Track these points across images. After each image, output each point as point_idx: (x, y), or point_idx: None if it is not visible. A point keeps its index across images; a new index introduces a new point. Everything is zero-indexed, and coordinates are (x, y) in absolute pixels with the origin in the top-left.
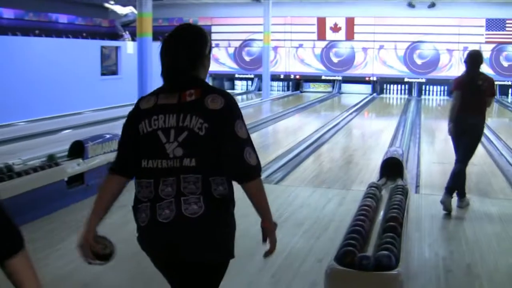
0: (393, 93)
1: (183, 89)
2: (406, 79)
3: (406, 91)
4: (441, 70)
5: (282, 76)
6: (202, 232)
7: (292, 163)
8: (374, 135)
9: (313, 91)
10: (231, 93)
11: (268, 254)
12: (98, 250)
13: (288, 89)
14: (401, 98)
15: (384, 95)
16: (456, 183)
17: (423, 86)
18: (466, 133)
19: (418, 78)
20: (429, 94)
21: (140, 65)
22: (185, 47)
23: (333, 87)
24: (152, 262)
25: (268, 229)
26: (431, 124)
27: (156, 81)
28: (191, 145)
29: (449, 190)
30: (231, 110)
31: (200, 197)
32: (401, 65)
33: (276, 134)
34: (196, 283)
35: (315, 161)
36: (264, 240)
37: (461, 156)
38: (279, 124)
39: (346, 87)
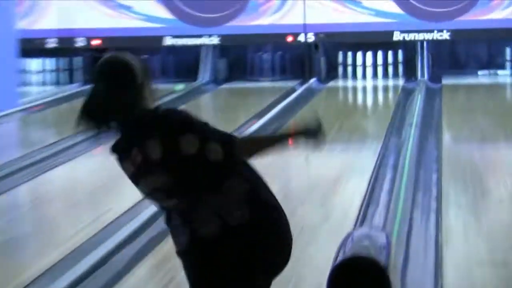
0: (364, 74)
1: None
2: (396, 35)
3: (400, 66)
4: (491, 8)
5: (54, 43)
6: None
7: None
8: (316, 190)
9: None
10: None
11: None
12: None
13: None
14: (385, 87)
15: (340, 82)
16: None
17: (442, 50)
18: None
19: (431, 31)
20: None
21: None
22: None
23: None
24: None
25: (296, 131)
26: (470, 151)
27: None
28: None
29: None
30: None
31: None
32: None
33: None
34: None
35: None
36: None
37: None
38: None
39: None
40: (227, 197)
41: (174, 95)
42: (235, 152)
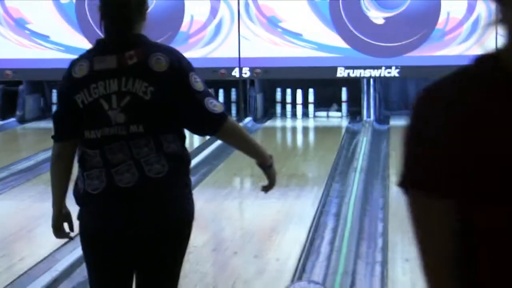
0: (305, 113)
1: (122, 50)
2: (340, 71)
3: (344, 105)
4: (444, 44)
5: None
6: (170, 191)
7: None
8: (250, 240)
9: None
10: None
11: (267, 188)
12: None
13: None
14: (328, 127)
15: (278, 121)
16: None
17: (391, 89)
18: None
19: (379, 68)
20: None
21: None
22: None
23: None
24: (98, 240)
25: (263, 165)
26: None
27: None
28: (135, 110)
29: None
30: (180, 68)
31: (160, 155)
32: (323, 27)
33: None
34: (163, 252)
35: None
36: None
37: None
38: None
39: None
40: (159, 150)
41: None
42: (226, 120)
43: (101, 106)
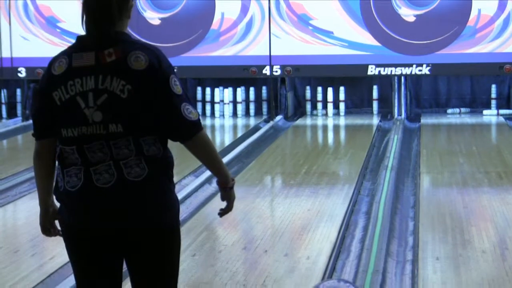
0: (336, 111)
1: (101, 47)
2: (371, 69)
3: (375, 103)
4: (475, 41)
5: None
6: (148, 195)
7: None
8: (281, 238)
9: None
10: None
11: (223, 212)
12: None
13: None
14: (359, 125)
15: (308, 119)
16: None
17: (422, 87)
18: None
19: (410, 66)
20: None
21: None
22: None
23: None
24: (76, 237)
25: (223, 186)
26: (450, 197)
27: None
28: (112, 109)
29: None
30: (160, 68)
31: (140, 158)
32: (354, 25)
33: None
34: (143, 253)
35: None
36: (222, 198)
37: None
38: None
39: None
40: (139, 152)
41: None
42: (199, 130)
43: (78, 103)
